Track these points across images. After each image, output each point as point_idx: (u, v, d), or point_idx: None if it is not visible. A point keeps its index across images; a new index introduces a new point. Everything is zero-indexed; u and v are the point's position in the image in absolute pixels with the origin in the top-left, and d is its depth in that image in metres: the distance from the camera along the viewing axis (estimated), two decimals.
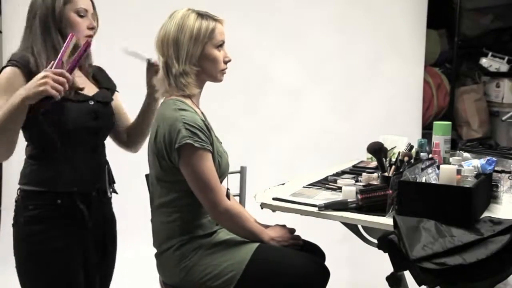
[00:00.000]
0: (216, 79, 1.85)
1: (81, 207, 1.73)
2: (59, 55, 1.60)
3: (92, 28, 1.76)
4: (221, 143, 1.92)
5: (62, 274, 1.72)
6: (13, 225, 1.74)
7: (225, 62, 1.84)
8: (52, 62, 1.59)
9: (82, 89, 1.75)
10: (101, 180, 1.82)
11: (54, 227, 1.71)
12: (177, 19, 1.78)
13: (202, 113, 1.93)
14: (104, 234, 1.85)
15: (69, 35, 1.64)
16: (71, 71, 1.59)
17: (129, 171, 2.31)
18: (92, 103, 1.77)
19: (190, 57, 1.76)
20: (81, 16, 1.73)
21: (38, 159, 1.72)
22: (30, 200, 1.71)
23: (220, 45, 1.81)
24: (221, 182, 1.82)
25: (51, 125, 1.67)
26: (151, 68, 1.90)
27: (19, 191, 1.74)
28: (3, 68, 1.67)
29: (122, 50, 1.84)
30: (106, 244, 1.87)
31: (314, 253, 1.93)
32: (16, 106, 1.53)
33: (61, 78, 1.53)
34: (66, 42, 1.62)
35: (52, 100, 1.55)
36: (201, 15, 1.79)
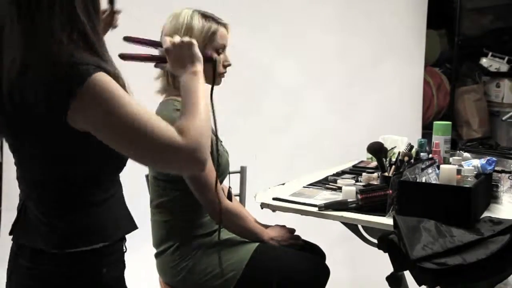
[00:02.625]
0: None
1: None
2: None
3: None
4: (221, 141, 1.92)
5: None
6: None
7: (224, 66, 1.82)
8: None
9: None
10: None
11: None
12: (180, 18, 1.77)
13: None
14: None
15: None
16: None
17: (130, 170, 2.31)
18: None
19: None
20: None
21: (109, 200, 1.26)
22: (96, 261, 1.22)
23: (220, 49, 1.79)
24: (221, 181, 1.82)
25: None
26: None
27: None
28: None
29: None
30: None
31: (314, 253, 1.93)
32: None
33: None
34: None
35: None
36: (205, 16, 1.77)
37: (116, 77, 1.14)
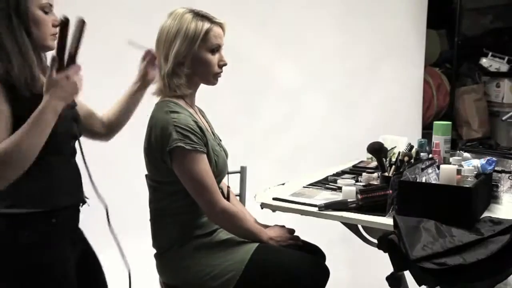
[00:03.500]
0: (209, 82, 1.82)
1: (74, 221, 1.64)
2: (67, 48, 1.46)
3: (57, 25, 1.50)
4: (220, 140, 1.92)
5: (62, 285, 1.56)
6: None
7: (220, 66, 1.79)
8: (60, 58, 1.45)
9: None
10: (82, 189, 1.67)
11: (52, 247, 1.53)
12: (173, 18, 1.75)
13: (200, 110, 1.93)
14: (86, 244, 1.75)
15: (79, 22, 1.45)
16: (73, 59, 1.47)
17: (130, 170, 2.31)
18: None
19: (178, 58, 1.73)
20: (46, 13, 1.52)
21: (25, 174, 1.41)
22: (22, 225, 1.47)
23: (214, 49, 1.77)
24: (219, 181, 1.82)
25: None
26: (149, 59, 1.85)
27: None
28: None
29: (128, 43, 1.81)
30: (90, 254, 1.75)
31: (314, 253, 1.93)
32: (50, 121, 1.41)
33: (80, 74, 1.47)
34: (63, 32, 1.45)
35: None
36: (199, 15, 1.75)
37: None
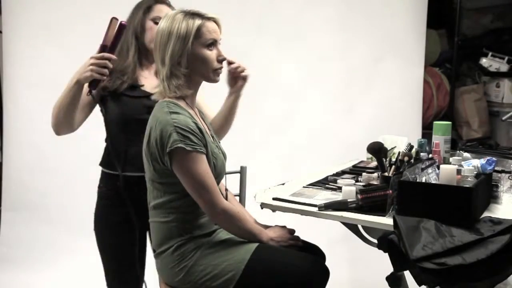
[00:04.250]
0: (209, 79, 1.81)
1: (139, 191, 1.91)
2: (102, 41, 1.85)
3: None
4: (219, 142, 1.92)
5: (112, 238, 2.04)
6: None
7: (219, 61, 1.79)
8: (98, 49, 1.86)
9: (142, 85, 1.99)
10: None
11: (112, 204, 2.01)
12: (165, 21, 1.76)
13: (200, 112, 1.93)
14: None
15: (111, 20, 1.84)
16: (111, 51, 1.85)
17: None
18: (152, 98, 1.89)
19: (174, 58, 1.73)
20: (156, 23, 1.94)
21: (107, 144, 2.02)
22: (101, 179, 2.07)
23: (210, 44, 1.77)
24: (217, 183, 1.82)
25: (108, 115, 1.98)
26: (232, 71, 1.99)
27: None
28: None
29: None
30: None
31: (314, 253, 1.93)
32: (68, 88, 1.88)
33: (101, 61, 1.82)
34: (107, 28, 1.84)
35: (98, 81, 1.87)
36: (190, 14, 1.75)
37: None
